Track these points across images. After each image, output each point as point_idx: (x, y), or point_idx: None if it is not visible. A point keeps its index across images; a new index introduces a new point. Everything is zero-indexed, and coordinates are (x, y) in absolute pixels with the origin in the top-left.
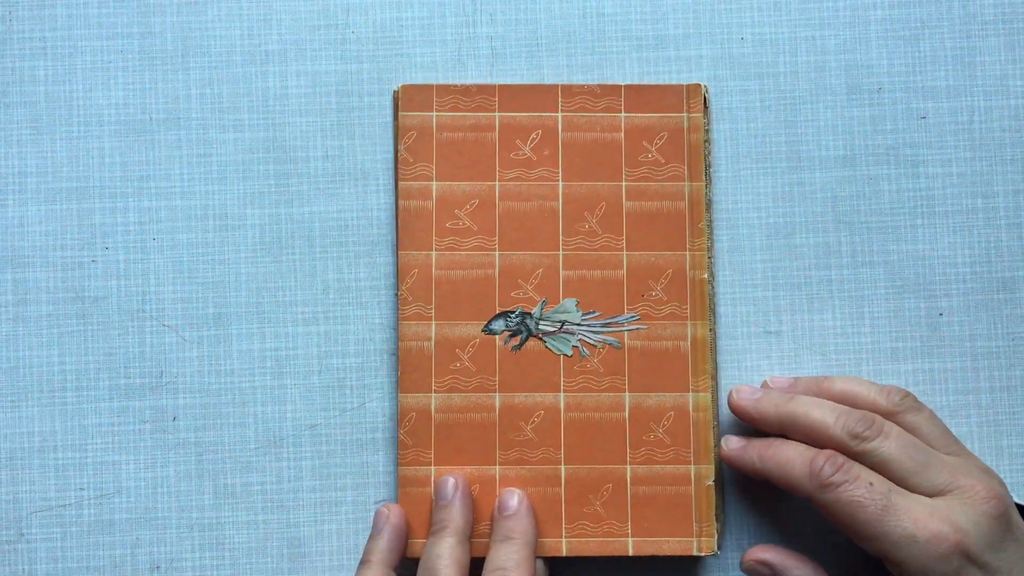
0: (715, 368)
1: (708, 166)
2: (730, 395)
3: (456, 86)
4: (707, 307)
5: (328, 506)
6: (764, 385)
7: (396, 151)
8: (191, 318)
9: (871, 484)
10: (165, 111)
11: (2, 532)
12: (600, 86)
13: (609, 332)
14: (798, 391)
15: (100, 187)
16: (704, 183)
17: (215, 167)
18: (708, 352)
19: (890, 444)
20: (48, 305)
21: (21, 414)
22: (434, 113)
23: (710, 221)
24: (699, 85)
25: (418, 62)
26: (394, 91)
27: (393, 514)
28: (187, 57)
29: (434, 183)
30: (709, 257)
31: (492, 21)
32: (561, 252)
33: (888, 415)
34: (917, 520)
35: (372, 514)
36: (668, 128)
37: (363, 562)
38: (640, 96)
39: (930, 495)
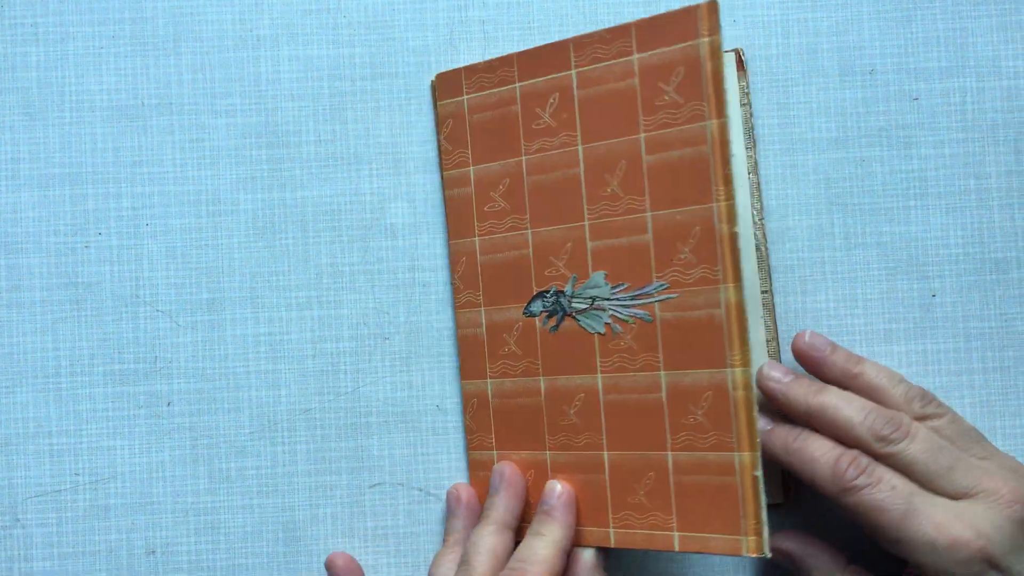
0: (776, 332)
1: (751, 128)
2: (759, 373)
3: (481, 64)
4: (740, 267)
5: (323, 490)
6: (799, 338)
7: (438, 141)
8: (185, 303)
9: (893, 487)
10: (157, 96)
11: None
12: (610, 29)
13: (639, 305)
14: (830, 364)
15: (93, 173)
16: (727, 120)
17: (207, 152)
18: (745, 320)
19: (916, 447)
20: (42, 291)
21: (16, 400)
22: (464, 97)
23: (758, 183)
24: (715, 2)
25: (410, 46)
26: (431, 81)
27: (464, 493)
28: (179, 42)
29: (471, 168)
30: (761, 218)
31: (484, 5)
32: (587, 222)
33: (912, 418)
34: (939, 525)
35: (367, 497)
36: (685, 61)
37: (445, 543)
38: (652, 30)
39: (955, 498)
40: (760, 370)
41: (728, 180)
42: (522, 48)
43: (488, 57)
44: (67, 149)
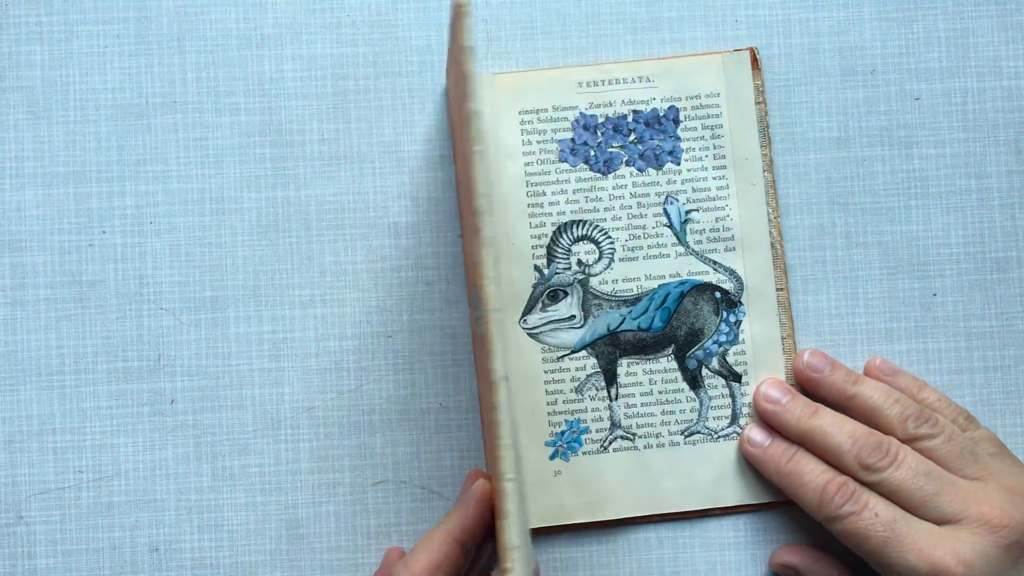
0: (792, 330)
1: (767, 127)
2: (756, 392)
3: None
4: (487, 293)
5: (326, 488)
6: (797, 358)
7: None
8: (188, 301)
9: (876, 514)
10: (161, 95)
11: (1, 515)
12: None
13: (481, 320)
14: (827, 385)
15: (97, 171)
16: (469, 115)
17: (211, 151)
18: (488, 354)
19: (901, 474)
20: (46, 289)
21: (20, 397)
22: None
23: (773, 181)
24: None
25: (413, 46)
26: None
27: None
28: (183, 41)
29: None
30: (776, 216)
31: (487, 4)
32: (463, 232)
33: (904, 440)
34: (920, 551)
35: (369, 495)
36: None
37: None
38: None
39: (940, 523)
40: (758, 388)
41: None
42: (523, 47)
43: (490, 55)
44: (71, 147)
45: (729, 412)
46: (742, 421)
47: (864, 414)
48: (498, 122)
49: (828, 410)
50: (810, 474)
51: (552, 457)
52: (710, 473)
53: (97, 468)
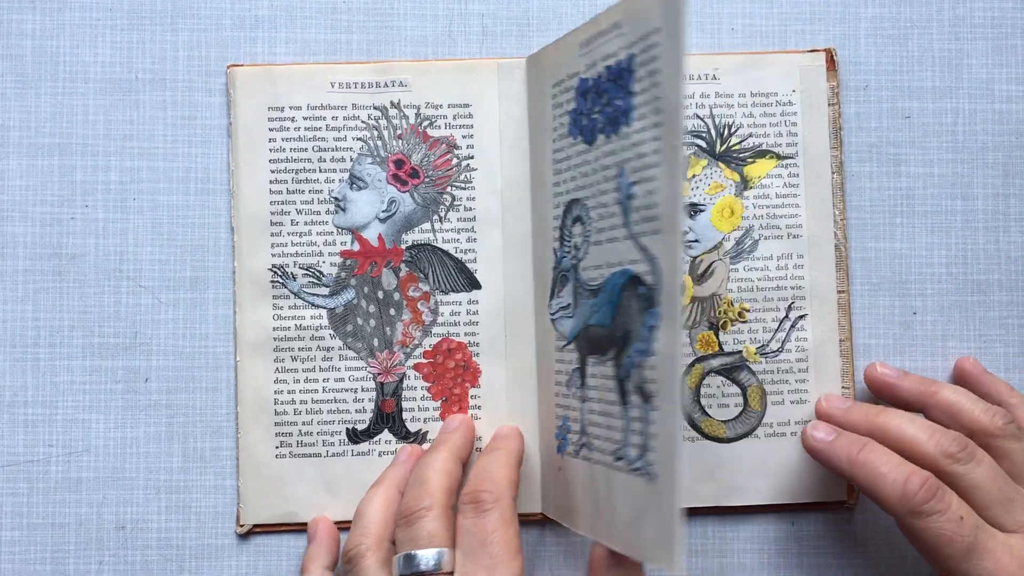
0: (850, 333)
1: (839, 128)
2: (818, 402)
3: None
4: None
5: None
6: (870, 369)
7: None
8: (168, 280)
9: (961, 518)
10: (151, 71)
11: None
12: None
13: None
14: (905, 388)
15: (83, 144)
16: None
17: (199, 130)
18: None
19: (982, 471)
20: (25, 260)
21: None
22: None
23: (842, 183)
24: None
25: (408, 36)
26: None
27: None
28: (176, 18)
29: None
30: (843, 218)
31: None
32: None
33: (987, 435)
34: (999, 562)
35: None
36: None
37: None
38: None
39: (1009, 531)
40: (818, 401)
41: None
42: (519, 43)
43: (485, 50)
44: (58, 119)
45: (641, 440)
46: (651, 456)
47: (946, 410)
48: (542, 101)
49: (894, 409)
50: (887, 464)
51: (559, 451)
52: (627, 513)
53: (67, 443)
